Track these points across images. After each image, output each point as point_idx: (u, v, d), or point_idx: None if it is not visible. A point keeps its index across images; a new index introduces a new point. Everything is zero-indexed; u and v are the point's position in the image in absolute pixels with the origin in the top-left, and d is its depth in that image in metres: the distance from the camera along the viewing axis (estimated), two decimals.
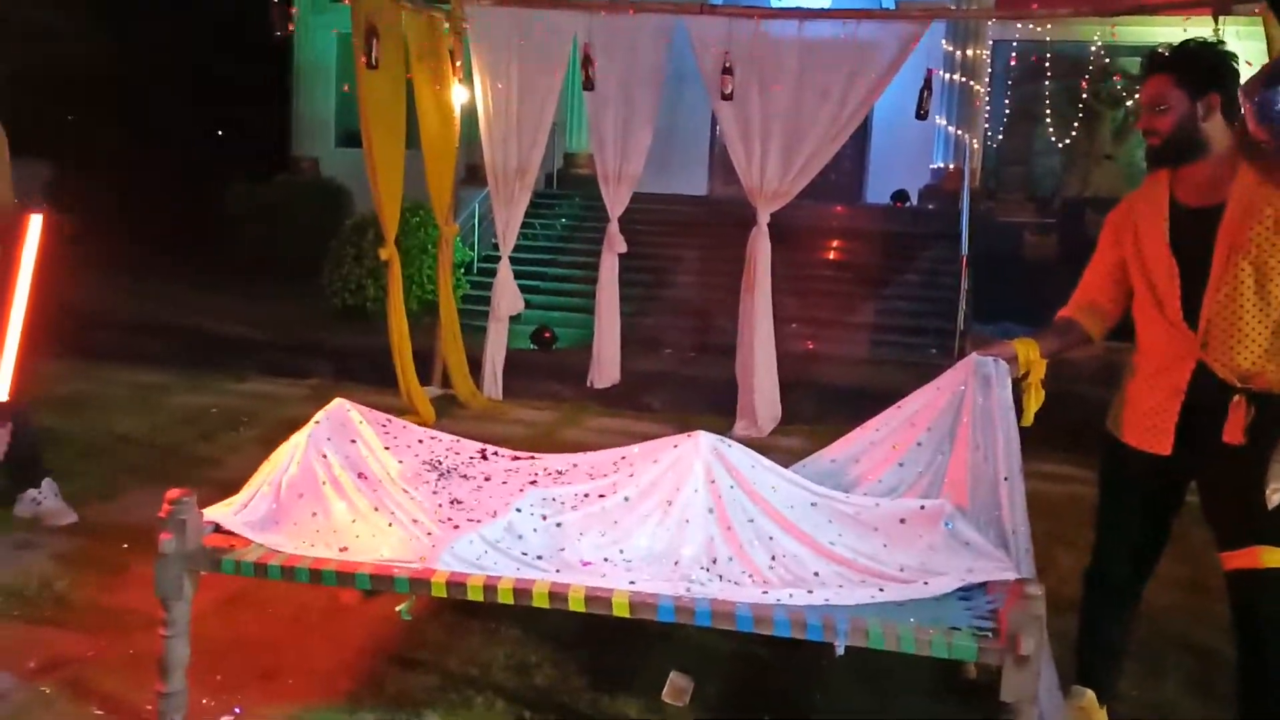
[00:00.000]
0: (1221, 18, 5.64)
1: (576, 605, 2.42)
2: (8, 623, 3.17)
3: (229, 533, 2.62)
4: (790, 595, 2.48)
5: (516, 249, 7.18)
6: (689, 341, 10.15)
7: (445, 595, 2.46)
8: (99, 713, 2.65)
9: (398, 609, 3.10)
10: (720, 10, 6.47)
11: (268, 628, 3.24)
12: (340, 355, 8.38)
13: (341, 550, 2.57)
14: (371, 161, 5.74)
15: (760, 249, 6.52)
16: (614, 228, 7.38)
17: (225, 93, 16.92)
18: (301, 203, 13.88)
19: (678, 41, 6.54)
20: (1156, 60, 2.67)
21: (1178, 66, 2.62)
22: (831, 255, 12.27)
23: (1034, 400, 2.77)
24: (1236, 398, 2.54)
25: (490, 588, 2.43)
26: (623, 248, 7.46)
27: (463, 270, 11.10)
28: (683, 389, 8.16)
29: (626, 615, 2.41)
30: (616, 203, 7.29)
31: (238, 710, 2.72)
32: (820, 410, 7.14)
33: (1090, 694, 2.82)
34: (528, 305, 11.26)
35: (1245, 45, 3.63)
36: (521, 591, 2.43)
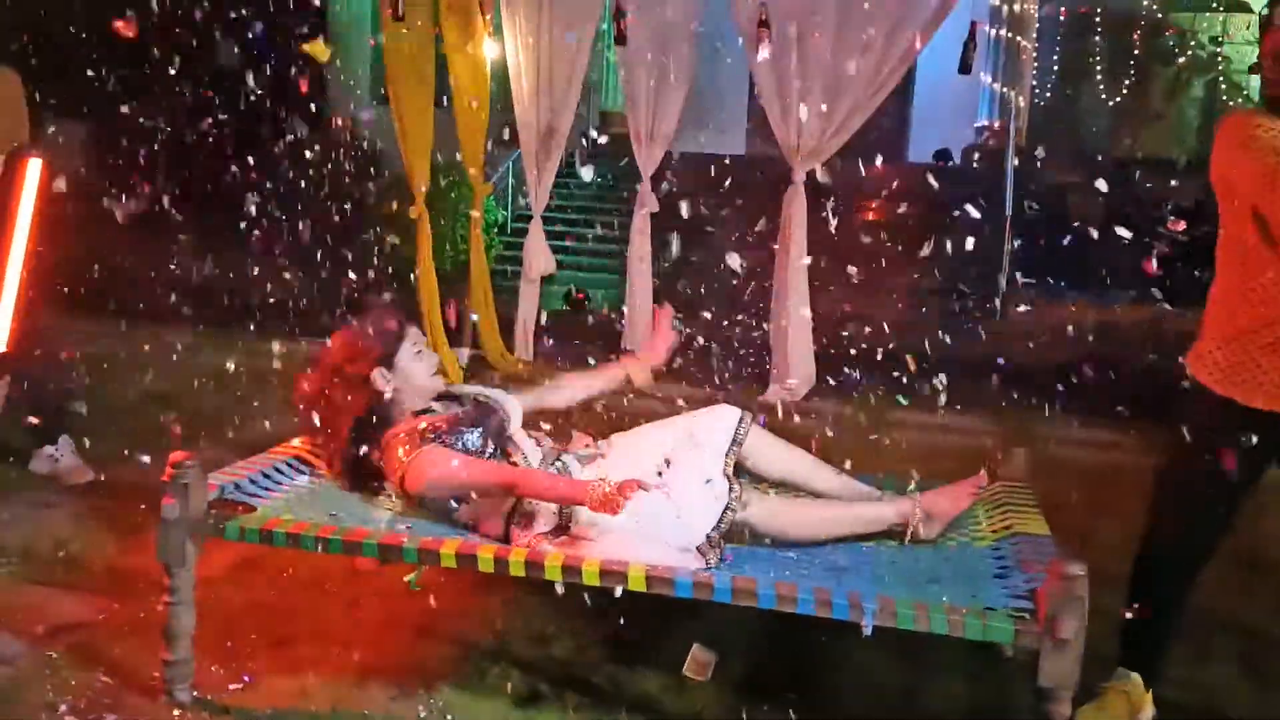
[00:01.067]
0: None
1: (590, 579, 2.32)
2: (18, 585, 3.13)
3: (232, 501, 2.55)
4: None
5: (551, 209, 7.08)
6: (725, 303, 9.99)
7: (455, 566, 2.37)
8: (105, 680, 2.59)
9: (406, 579, 3.02)
10: None
11: (282, 593, 3.18)
12: None
13: (331, 515, 2.51)
14: (399, 117, 5.65)
15: (796, 208, 6.35)
16: (646, 186, 7.23)
17: (260, 51, 16.84)
18: (337, 163, 13.80)
19: None
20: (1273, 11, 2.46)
21: None
22: (871, 215, 12.01)
23: None
24: None
25: (501, 560, 2.34)
26: (655, 207, 7.31)
27: (496, 230, 11.00)
28: (719, 351, 8.01)
29: (643, 590, 2.31)
30: (649, 161, 7.13)
31: (246, 679, 2.66)
32: (858, 372, 6.97)
33: (1136, 678, 2.67)
34: (561, 266, 11.18)
35: None
36: (533, 564, 2.34)
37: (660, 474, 2.63)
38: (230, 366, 6.25)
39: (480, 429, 2.72)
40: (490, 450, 2.70)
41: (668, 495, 2.51)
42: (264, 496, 2.64)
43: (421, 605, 3.12)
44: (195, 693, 2.54)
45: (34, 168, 2.88)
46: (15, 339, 3.03)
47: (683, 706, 2.68)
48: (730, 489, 2.66)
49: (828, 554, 2.69)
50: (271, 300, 8.92)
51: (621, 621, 2.86)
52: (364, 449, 2.71)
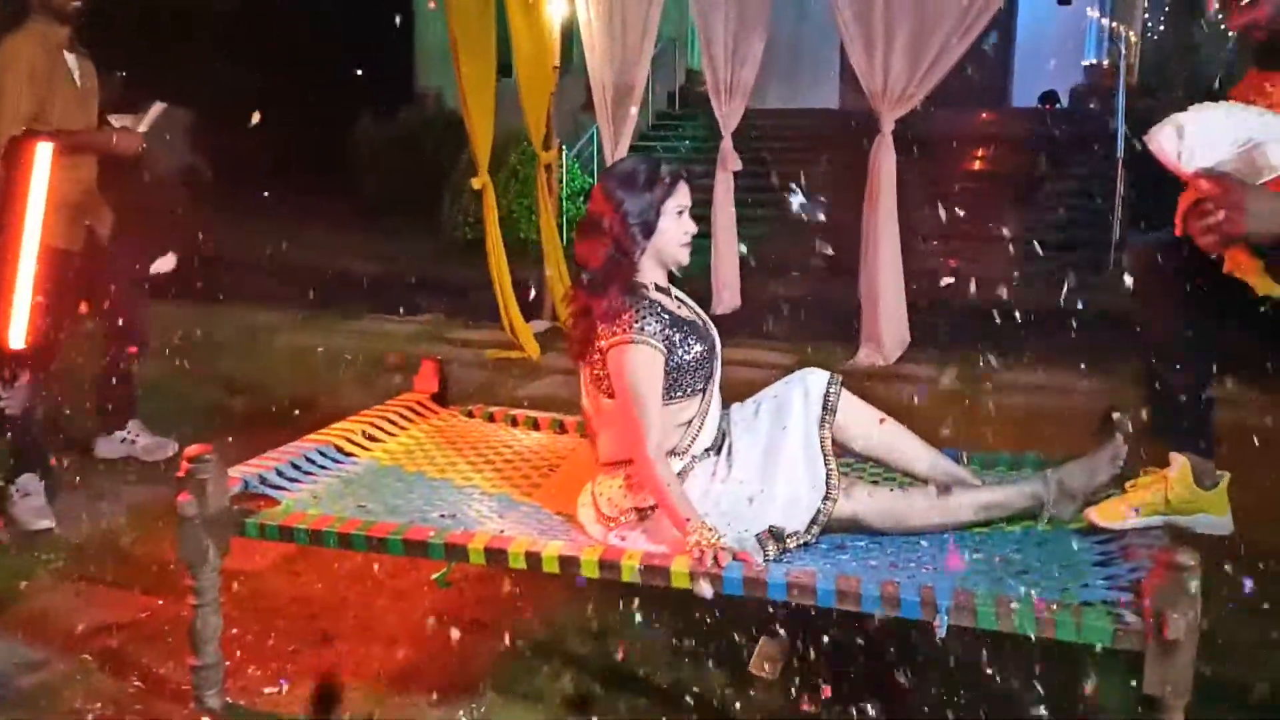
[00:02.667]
0: None
1: (629, 575, 2.10)
2: (63, 582, 3.06)
3: (256, 495, 2.40)
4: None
5: None
6: (819, 264, 9.62)
7: (484, 563, 2.18)
8: (137, 685, 2.49)
9: (434, 577, 2.85)
10: None
11: (331, 587, 3.04)
12: (458, 290, 8.21)
13: (359, 506, 2.33)
14: (461, 82, 5.46)
15: (884, 159, 5.97)
16: (727, 144, 6.96)
17: (350, 25, 16.90)
18: (426, 135, 13.77)
19: None
20: None
21: None
22: (975, 165, 11.46)
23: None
24: None
25: (533, 555, 2.14)
26: (737, 165, 7.03)
27: (583, 198, 10.81)
28: (808, 314, 7.70)
29: (687, 587, 2.08)
30: (730, 116, 6.86)
31: (283, 683, 2.52)
32: (954, 334, 6.58)
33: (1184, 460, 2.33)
34: None
35: None
36: (567, 560, 2.13)
37: (752, 500, 2.41)
38: (306, 346, 6.24)
39: (705, 345, 2.49)
40: (701, 374, 2.47)
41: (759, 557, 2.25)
42: (290, 489, 2.49)
43: (476, 594, 2.96)
44: (228, 698, 2.41)
45: (43, 152, 2.75)
46: (35, 335, 2.92)
47: (750, 711, 2.44)
48: (829, 479, 2.42)
49: (906, 540, 2.41)
50: (345, 279, 8.95)
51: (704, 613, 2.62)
52: (593, 290, 2.45)
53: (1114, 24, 11.76)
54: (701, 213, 7.65)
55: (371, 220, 12.21)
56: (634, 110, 6.59)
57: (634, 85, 6.54)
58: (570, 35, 6.73)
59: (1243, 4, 2.15)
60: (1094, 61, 12.33)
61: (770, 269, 9.36)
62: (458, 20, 5.41)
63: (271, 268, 9.28)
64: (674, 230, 2.44)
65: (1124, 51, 11.47)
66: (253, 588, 3.00)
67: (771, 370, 5.85)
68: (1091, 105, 11.74)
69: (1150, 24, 12.24)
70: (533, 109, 6.26)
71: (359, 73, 18.18)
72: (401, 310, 7.41)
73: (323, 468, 2.67)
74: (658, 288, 2.49)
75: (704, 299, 7.17)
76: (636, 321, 2.34)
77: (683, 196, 2.46)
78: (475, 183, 5.73)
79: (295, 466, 2.60)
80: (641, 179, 2.42)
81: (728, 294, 7.28)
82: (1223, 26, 2.24)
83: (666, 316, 2.40)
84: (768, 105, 12.68)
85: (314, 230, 11.64)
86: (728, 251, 7.27)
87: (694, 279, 8.47)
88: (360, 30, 16.56)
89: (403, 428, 3.02)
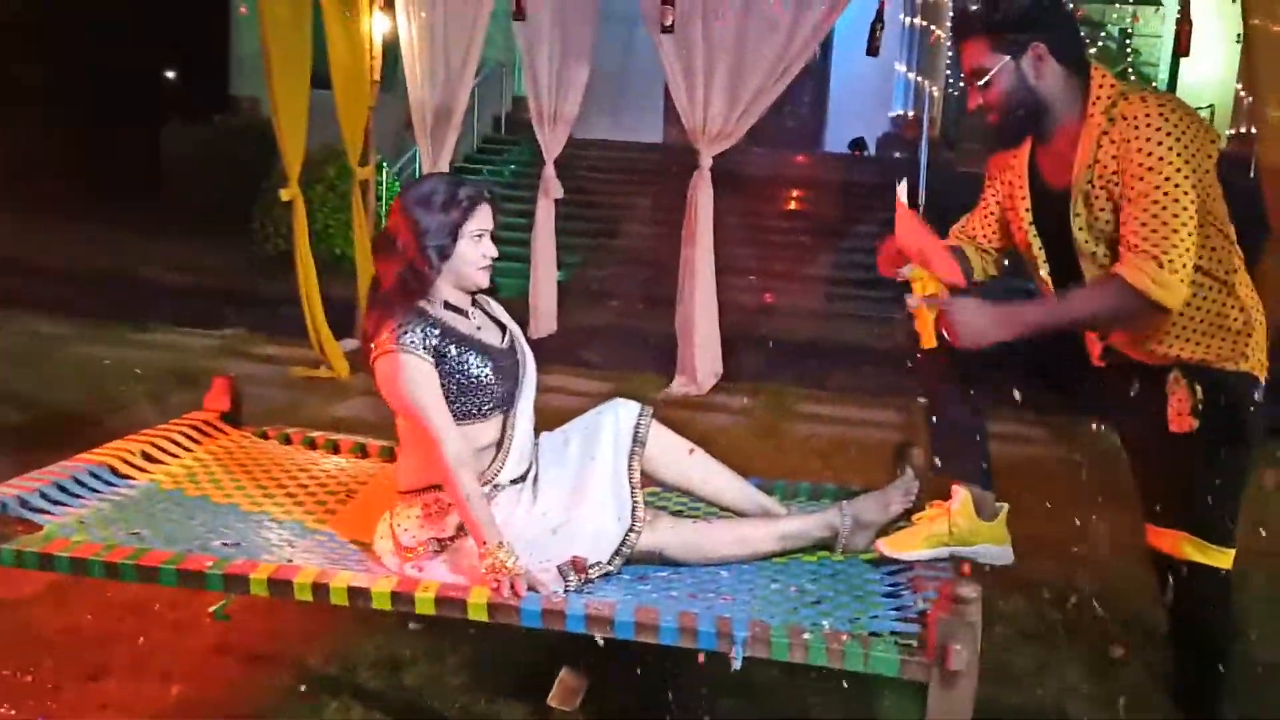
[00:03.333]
0: None
1: (424, 608, 2.03)
2: None
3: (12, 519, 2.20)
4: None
5: None
6: (637, 293, 9.74)
7: (267, 594, 2.05)
8: None
9: (211, 609, 2.68)
10: None
11: (103, 618, 2.82)
12: (264, 304, 7.88)
13: (132, 533, 2.17)
14: (271, 91, 5.25)
15: (703, 194, 6.09)
16: (549, 171, 6.94)
17: (164, 28, 16.10)
18: (240, 144, 13.19)
19: None
20: (963, 21, 2.21)
21: (986, 23, 2.17)
22: (788, 205, 11.88)
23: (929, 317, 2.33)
24: (1173, 375, 2.17)
25: (321, 586, 2.03)
26: (559, 193, 7.03)
27: None
28: (625, 343, 7.77)
29: (485, 620, 2.02)
30: (553, 144, 6.84)
31: None
32: (766, 367, 6.76)
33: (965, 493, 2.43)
34: None
35: None
36: (358, 591, 2.04)
37: (556, 531, 2.36)
38: (93, 358, 5.83)
39: (498, 366, 2.40)
40: (490, 396, 2.38)
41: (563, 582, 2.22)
42: (54, 513, 2.29)
43: (260, 627, 2.80)
44: None
45: None
46: None
47: None
48: (635, 510, 2.39)
49: (707, 570, 2.42)
50: (146, 288, 8.47)
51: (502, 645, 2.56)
52: (381, 309, 2.35)
53: (919, 79, 12.47)
54: (522, 238, 7.71)
55: (179, 229, 11.58)
56: (453, 133, 6.50)
57: (454, 108, 6.45)
58: (397, 52, 6.59)
59: (976, 85, 2.21)
60: (900, 113, 13.02)
61: (589, 297, 9.41)
62: (270, 28, 5.21)
63: (65, 274, 8.68)
64: (472, 253, 2.38)
65: (928, 105, 12.17)
66: (14, 618, 2.75)
67: (585, 398, 5.84)
68: (896, 154, 12.38)
69: (952, 81, 13.04)
70: (349, 123, 6.08)
71: (170, 76, 17.32)
72: (203, 323, 7.05)
73: (94, 490, 2.48)
74: (448, 305, 2.42)
75: (520, 324, 7.12)
76: (396, 331, 2.28)
77: (483, 219, 2.40)
78: (284, 194, 5.50)
79: (62, 489, 2.40)
80: (440, 199, 2.35)
81: (544, 320, 7.24)
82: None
83: (439, 331, 2.33)
84: (593, 136, 12.81)
85: (116, 237, 10.97)
86: (546, 278, 7.25)
87: (511, 303, 8.45)
88: (175, 34, 15.81)
89: (187, 449, 2.83)
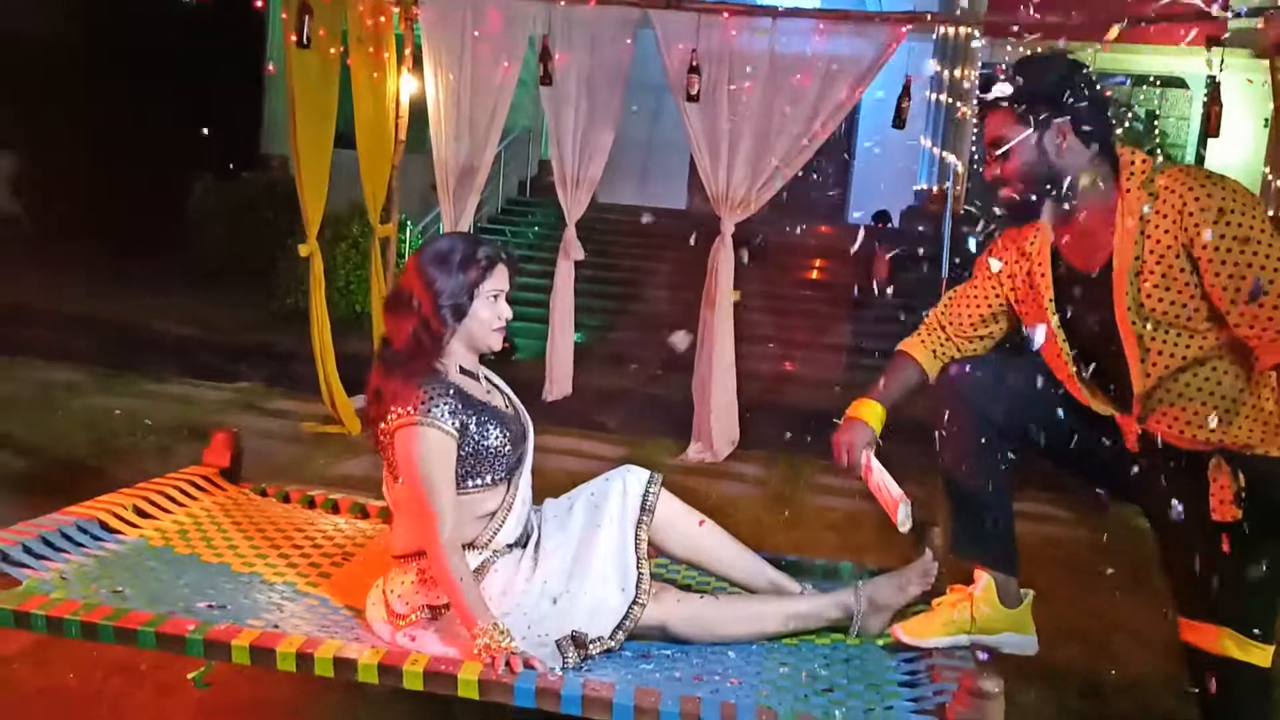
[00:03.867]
0: (1217, 49, 5.23)
1: (413, 683, 1.92)
2: None
3: None
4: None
5: None
6: (655, 358, 9.67)
7: (249, 662, 1.96)
8: None
9: (190, 676, 2.57)
10: (688, 5, 6.01)
11: (86, 678, 2.71)
12: (282, 359, 7.85)
13: (114, 592, 2.08)
14: (295, 147, 5.27)
15: (723, 261, 6.05)
16: (570, 233, 6.91)
17: (198, 86, 16.39)
18: (267, 201, 13.33)
19: (652, 49, 6.06)
20: (987, 90, 2.16)
21: (1010, 95, 2.12)
22: (812, 274, 11.85)
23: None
24: (1215, 461, 2.07)
25: (305, 656, 1.93)
26: (579, 255, 6.99)
27: None
28: (642, 408, 7.69)
29: (476, 697, 1.91)
30: (575, 207, 6.82)
31: None
32: (784, 434, 6.64)
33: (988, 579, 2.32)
34: None
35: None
36: (344, 662, 1.93)
37: (556, 601, 2.28)
38: (103, 408, 5.79)
39: (509, 433, 2.33)
40: (502, 463, 2.31)
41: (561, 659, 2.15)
42: (36, 568, 2.21)
43: (247, 691, 2.69)
44: None
45: None
46: None
47: None
48: (639, 582, 2.29)
49: (713, 649, 2.31)
50: (163, 340, 8.48)
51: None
52: (392, 368, 2.28)
53: (944, 154, 12.48)
54: (543, 299, 7.69)
55: (201, 283, 11.67)
56: (475, 194, 6.51)
57: (478, 169, 6.46)
58: (425, 112, 6.63)
59: (995, 155, 2.16)
60: (924, 186, 13.02)
61: (608, 360, 9.35)
62: (299, 86, 5.24)
63: (82, 323, 8.70)
64: (487, 314, 2.32)
65: (952, 179, 12.16)
66: None
67: (599, 461, 5.76)
68: (920, 227, 12.35)
69: (977, 156, 13.05)
70: (371, 181, 6.09)
71: (204, 133, 17.61)
72: (218, 376, 7.02)
73: (80, 545, 2.40)
74: (463, 370, 2.35)
75: (536, 385, 7.06)
76: (424, 403, 2.20)
77: (500, 280, 2.34)
78: (303, 250, 5.49)
79: (47, 543, 2.32)
80: (457, 259, 2.29)
81: (559, 382, 7.17)
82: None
83: (460, 400, 2.26)
84: (619, 201, 12.88)
85: (137, 289, 11.05)
86: (563, 340, 7.19)
87: (528, 365, 8.42)
88: (210, 91, 16.09)
89: (181, 504, 2.75)
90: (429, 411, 2.19)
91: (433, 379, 2.25)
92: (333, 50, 5.53)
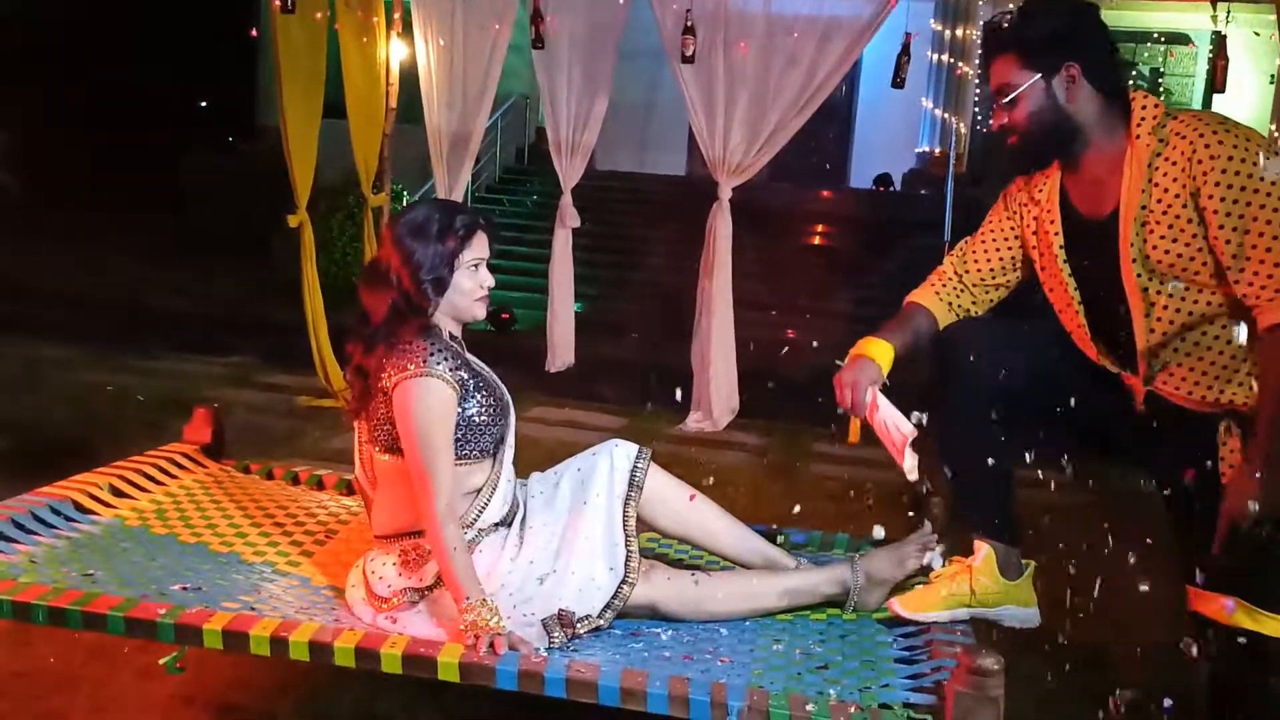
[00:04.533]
0: (1222, 3, 5.11)
1: (391, 666, 1.86)
2: None
3: None
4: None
5: None
6: (656, 326, 9.58)
7: (221, 648, 1.89)
8: None
9: (162, 662, 2.51)
10: None
11: (66, 661, 2.66)
12: (275, 332, 7.73)
13: (85, 575, 2.01)
14: (283, 116, 5.17)
15: (721, 226, 5.95)
16: (566, 200, 6.82)
17: (194, 54, 16.22)
18: (262, 171, 13.19)
19: (649, 12, 5.92)
20: (993, 36, 2.06)
21: (1017, 39, 2.02)
22: (813, 240, 11.73)
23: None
24: (1224, 424, 2.00)
25: (280, 640, 1.87)
26: (576, 223, 6.91)
27: None
28: (641, 377, 7.59)
29: (456, 680, 1.85)
30: (571, 174, 6.73)
31: None
32: (784, 402, 6.56)
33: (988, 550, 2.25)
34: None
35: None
36: (319, 647, 1.87)
37: (543, 580, 2.21)
38: (94, 384, 5.73)
39: (498, 404, 2.26)
40: (491, 435, 2.25)
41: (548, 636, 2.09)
42: (4, 551, 2.15)
43: (230, 674, 2.63)
44: None
45: None
46: None
47: None
48: (628, 560, 2.22)
49: (704, 627, 2.24)
50: (157, 314, 8.40)
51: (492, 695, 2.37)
52: (380, 338, 2.21)
53: (947, 115, 12.32)
54: (542, 269, 7.59)
55: (197, 254, 11.56)
56: (469, 161, 6.41)
57: (471, 136, 6.36)
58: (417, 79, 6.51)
59: (1002, 102, 2.06)
60: (926, 149, 12.87)
61: (607, 329, 9.26)
62: (285, 53, 5.13)
63: (75, 298, 8.62)
64: (469, 284, 2.23)
65: (954, 141, 12.01)
66: None
67: (597, 432, 5.70)
68: (922, 190, 12.21)
69: (980, 117, 12.89)
70: (363, 150, 5.99)
71: (201, 104, 17.45)
72: (212, 350, 6.95)
73: (52, 527, 2.33)
74: (452, 337, 2.28)
75: (537, 356, 6.99)
76: (429, 356, 2.13)
77: (479, 248, 2.25)
78: (292, 220, 5.40)
79: (18, 525, 2.25)
80: (435, 228, 2.20)
81: (561, 352, 7.12)
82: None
83: (461, 360, 2.19)
84: (619, 168, 12.75)
85: (132, 261, 10.95)
86: (563, 309, 7.13)
87: (529, 335, 8.35)
88: (203, 61, 15.91)
89: (161, 483, 2.68)
90: (435, 364, 2.12)
91: (428, 334, 2.18)
92: (319, 15, 5.41)
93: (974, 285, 2.31)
